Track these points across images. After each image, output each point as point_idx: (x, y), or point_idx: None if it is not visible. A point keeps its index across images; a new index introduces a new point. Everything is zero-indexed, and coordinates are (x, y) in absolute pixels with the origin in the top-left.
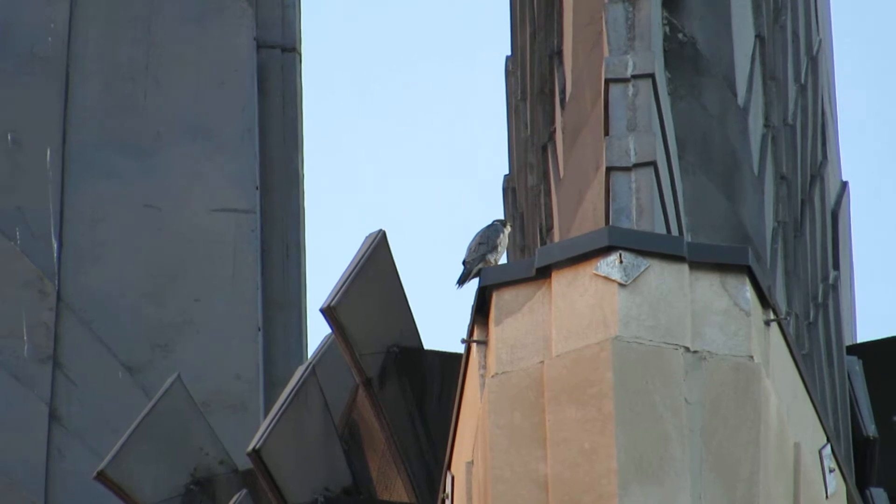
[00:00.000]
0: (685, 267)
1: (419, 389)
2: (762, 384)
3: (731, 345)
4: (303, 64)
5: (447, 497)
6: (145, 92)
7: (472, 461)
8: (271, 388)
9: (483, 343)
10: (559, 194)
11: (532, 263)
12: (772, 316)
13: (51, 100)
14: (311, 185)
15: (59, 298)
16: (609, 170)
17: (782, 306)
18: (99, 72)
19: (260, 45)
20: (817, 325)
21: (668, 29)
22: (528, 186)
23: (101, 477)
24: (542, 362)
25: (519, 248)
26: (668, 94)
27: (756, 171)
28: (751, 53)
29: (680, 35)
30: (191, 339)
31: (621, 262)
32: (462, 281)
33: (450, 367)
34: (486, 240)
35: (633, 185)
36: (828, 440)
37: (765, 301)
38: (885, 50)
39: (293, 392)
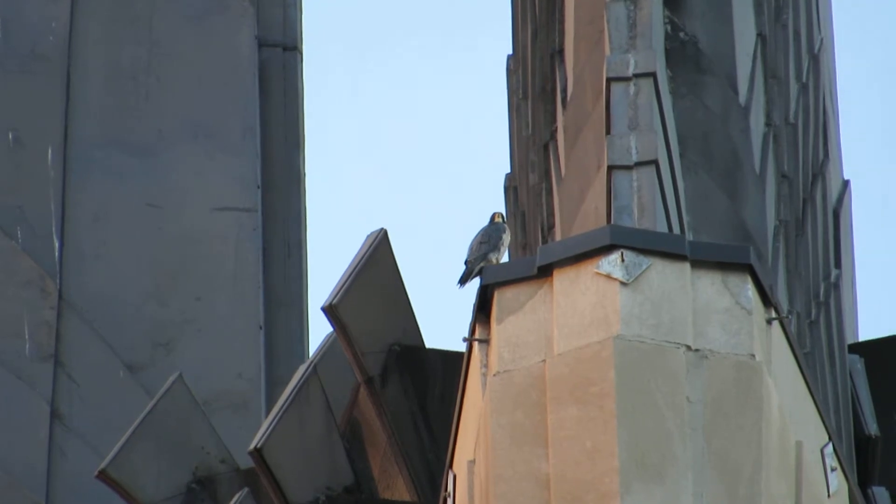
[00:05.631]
0: (687, 265)
1: (421, 388)
2: (764, 383)
3: (733, 343)
4: (304, 63)
5: (449, 496)
6: (147, 91)
7: (474, 460)
8: (273, 387)
9: (485, 342)
10: (560, 193)
11: (533, 262)
12: (773, 314)
13: (52, 99)
14: (313, 184)
15: (60, 297)
16: (610, 168)
17: (784, 305)
18: (100, 71)
19: (261, 44)
20: (819, 324)
21: (669, 28)
22: (529, 185)
23: (103, 476)
24: (543, 361)
25: (521, 246)
26: (670, 92)
27: (758, 169)
28: (752, 52)
29: (681, 34)
30: (192, 338)
31: (623, 260)
32: (464, 280)
33: (451, 366)
34: (487, 239)
35: (635, 184)
36: (829, 439)
37: (766, 300)
38: (887, 48)
39: (295, 391)
